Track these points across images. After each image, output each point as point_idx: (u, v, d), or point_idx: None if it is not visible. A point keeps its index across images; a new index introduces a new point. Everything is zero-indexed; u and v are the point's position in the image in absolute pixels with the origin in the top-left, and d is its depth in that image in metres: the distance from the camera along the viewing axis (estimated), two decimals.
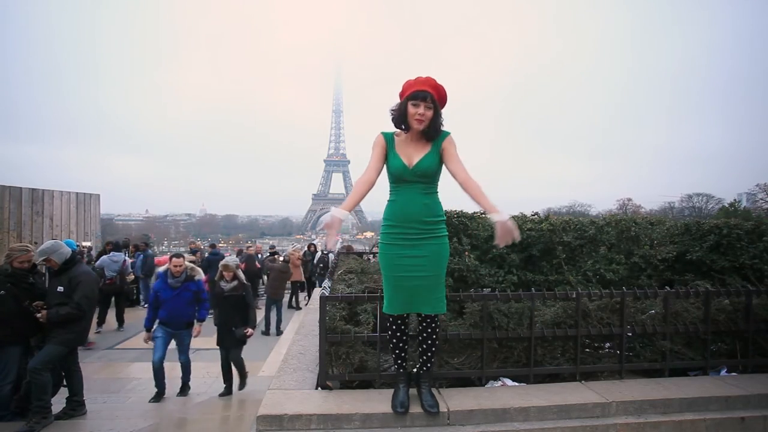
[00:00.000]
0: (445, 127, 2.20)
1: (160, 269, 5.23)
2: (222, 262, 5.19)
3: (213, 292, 5.03)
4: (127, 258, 8.85)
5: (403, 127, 2.15)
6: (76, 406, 3.95)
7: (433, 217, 2.16)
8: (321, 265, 10.53)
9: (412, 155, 2.15)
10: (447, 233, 2.24)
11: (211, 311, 5.39)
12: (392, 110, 2.17)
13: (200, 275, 5.14)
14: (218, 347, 5.06)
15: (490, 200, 2.06)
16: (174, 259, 5.07)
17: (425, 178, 2.16)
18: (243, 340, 4.99)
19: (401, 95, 2.14)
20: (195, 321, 5.08)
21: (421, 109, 2.08)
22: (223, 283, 5.04)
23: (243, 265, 8.55)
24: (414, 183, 2.15)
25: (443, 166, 2.19)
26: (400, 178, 2.15)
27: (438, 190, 2.24)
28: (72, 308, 3.67)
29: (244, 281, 5.14)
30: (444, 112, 2.18)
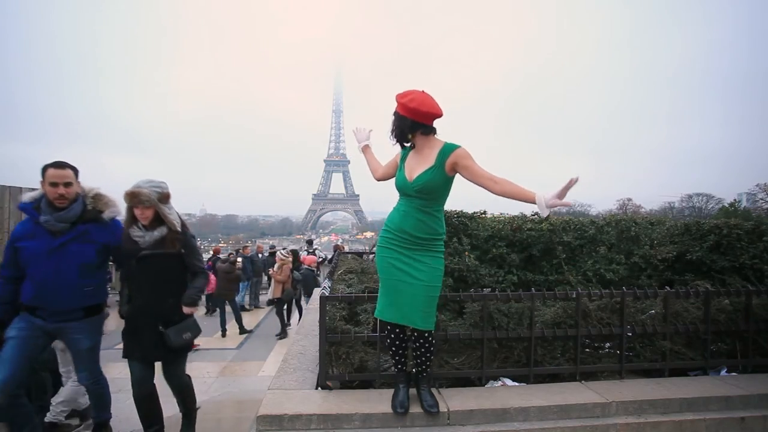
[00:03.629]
0: (440, 133, 2.19)
1: (24, 197, 2.53)
2: (128, 190, 2.51)
3: (122, 251, 2.60)
4: None
5: (405, 143, 2.23)
6: None
7: (428, 234, 2.10)
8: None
9: (414, 169, 2.13)
10: (443, 250, 2.17)
11: (113, 288, 3.10)
12: None
13: (114, 210, 2.65)
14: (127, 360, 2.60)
15: (524, 190, 1.93)
16: (52, 169, 2.47)
17: (424, 194, 2.08)
18: (184, 348, 2.68)
19: None
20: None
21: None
22: (137, 232, 2.53)
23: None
24: (412, 198, 2.11)
25: (457, 183, 2.17)
26: (402, 191, 2.17)
27: (441, 208, 2.16)
28: None
29: (179, 226, 2.60)
30: (443, 115, 2.13)
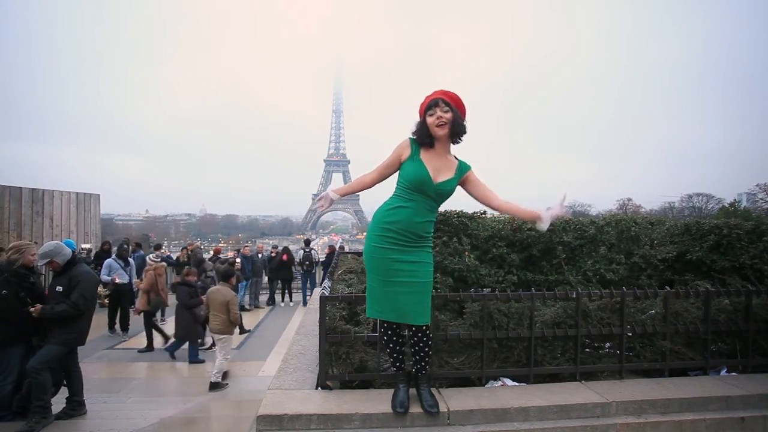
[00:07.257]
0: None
1: None
2: None
3: None
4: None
5: (429, 141, 2.14)
6: (76, 406, 3.95)
7: (428, 233, 2.20)
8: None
9: (439, 172, 2.13)
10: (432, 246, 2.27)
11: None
12: (413, 132, 2.18)
13: None
14: None
15: (527, 210, 2.17)
16: None
17: (440, 198, 2.17)
18: None
19: (420, 115, 2.17)
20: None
21: (438, 112, 2.08)
22: None
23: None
24: (427, 198, 2.13)
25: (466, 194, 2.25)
26: (419, 188, 2.11)
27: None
28: (68, 306, 3.68)
29: None
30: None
